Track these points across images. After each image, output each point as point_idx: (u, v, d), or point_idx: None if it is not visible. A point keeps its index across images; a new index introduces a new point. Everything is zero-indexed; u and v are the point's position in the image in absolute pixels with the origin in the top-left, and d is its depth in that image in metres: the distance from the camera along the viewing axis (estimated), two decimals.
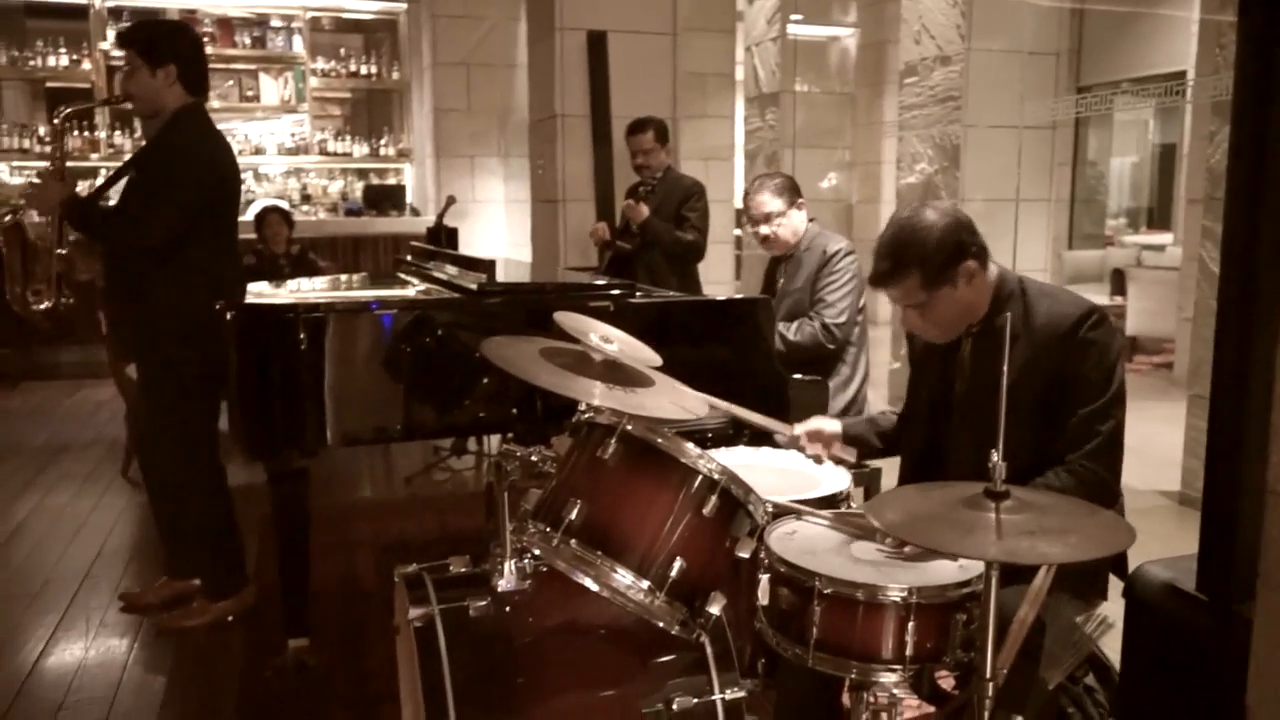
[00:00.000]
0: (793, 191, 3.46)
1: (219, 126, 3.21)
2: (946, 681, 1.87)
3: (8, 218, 3.23)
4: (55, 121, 3.17)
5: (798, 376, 3.19)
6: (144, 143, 3.23)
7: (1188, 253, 6.18)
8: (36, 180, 3.07)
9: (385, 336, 2.68)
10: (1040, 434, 1.94)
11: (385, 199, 9.08)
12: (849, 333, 3.39)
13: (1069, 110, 5.63)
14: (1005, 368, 1.52)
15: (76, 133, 8.22)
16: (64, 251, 3.20)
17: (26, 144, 8.34)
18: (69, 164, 3.18)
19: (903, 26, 5.97)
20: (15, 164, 8.48)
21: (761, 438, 2.88)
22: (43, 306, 3.27)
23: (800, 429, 2.33)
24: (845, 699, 1.80)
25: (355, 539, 4.01)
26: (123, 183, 3.17)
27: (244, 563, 3.30)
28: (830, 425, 2.33)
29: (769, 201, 3.43)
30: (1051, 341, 1.93)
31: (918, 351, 2.26)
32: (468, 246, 6.84)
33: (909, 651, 1.58)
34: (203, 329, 2.92)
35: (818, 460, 2.32)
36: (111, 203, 3.20)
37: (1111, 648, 1.92)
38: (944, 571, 1.64)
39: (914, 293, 1.97)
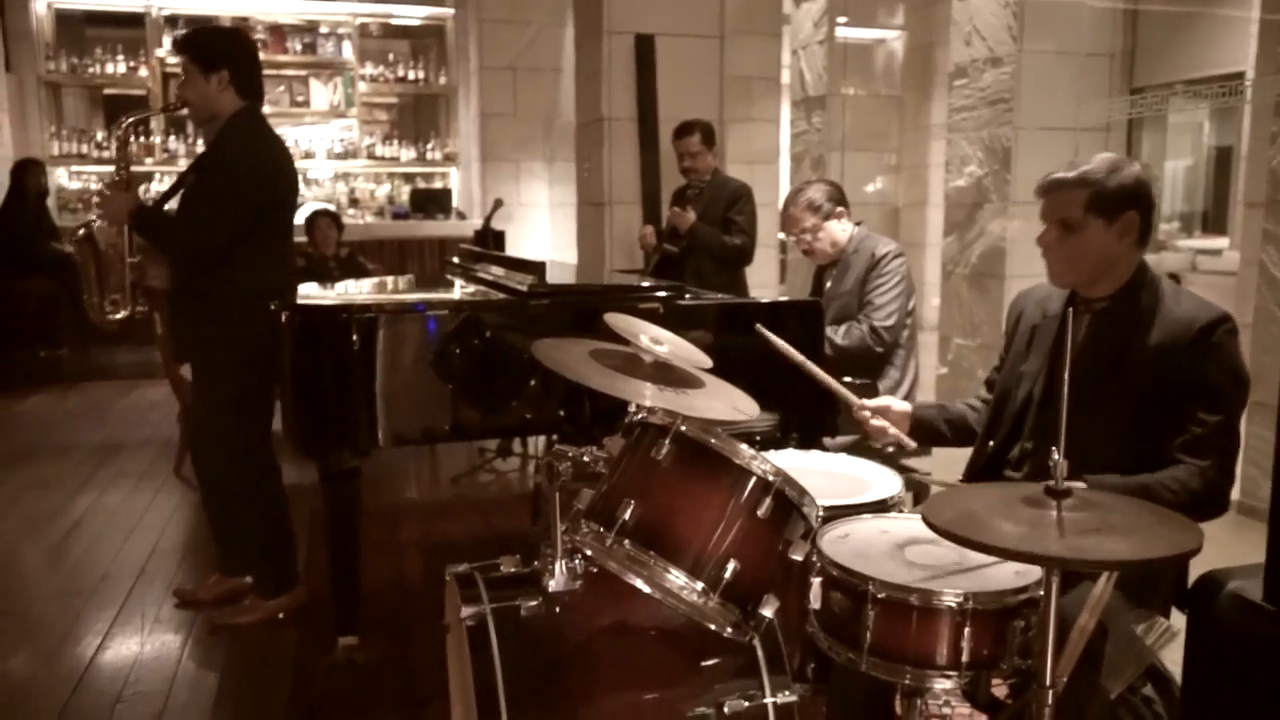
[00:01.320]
0: (833, 203, 3.43)
1: None
2: (1000, 691, 1.84)
3: (80, 230, 3.31)
4: (118, 132, 3.23)
5: (848, 380, 3.16)
6: (200, 147, 3.30)
7: (1246, 257, 6.04)
8: (105, 191, 3.14)
9: (436, 337, 2.70)
10: (1153, 422, 1.93)
11: (432, 203, 9.17)
12: (897, 335, 3.36)
13: (1123, 112, 5.53)
14: (1068, 371, 1.49)
15: (133, 138, 8.41)
16: (135, 260, 3.26)
17: (85, 149, 8.54)
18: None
19: (953, 28, 5.90)
20: (74, 169, 8.69)
21: (810, 440, 2.86)
22: (119, 316, 3.33)
23: (869, 403, 2.32)
24: (898, 706, 1.78)
25: (403, 539, 4.04)
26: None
27: (295, 561, 3.34)
28: (900, 404, 2.32)
29: (800, 218, 3.44)
30: (1185, 336, 1.92)
31: (1024, 330, 2.23)
32: (513, 250, 6.88)
33: (964, 658, 1.55)
34: (257, 329, 2.96)
35: (879, 436, 2.31)
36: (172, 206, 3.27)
37: (1171, 658, 1.87)
38: (1001, 577, 1.62)
39: (1072, 207, 1.99)
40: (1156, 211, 2.05)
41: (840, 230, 3.45)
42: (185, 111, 3.25)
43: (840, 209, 3.45)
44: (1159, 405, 1.93)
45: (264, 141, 3.15)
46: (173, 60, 8.53)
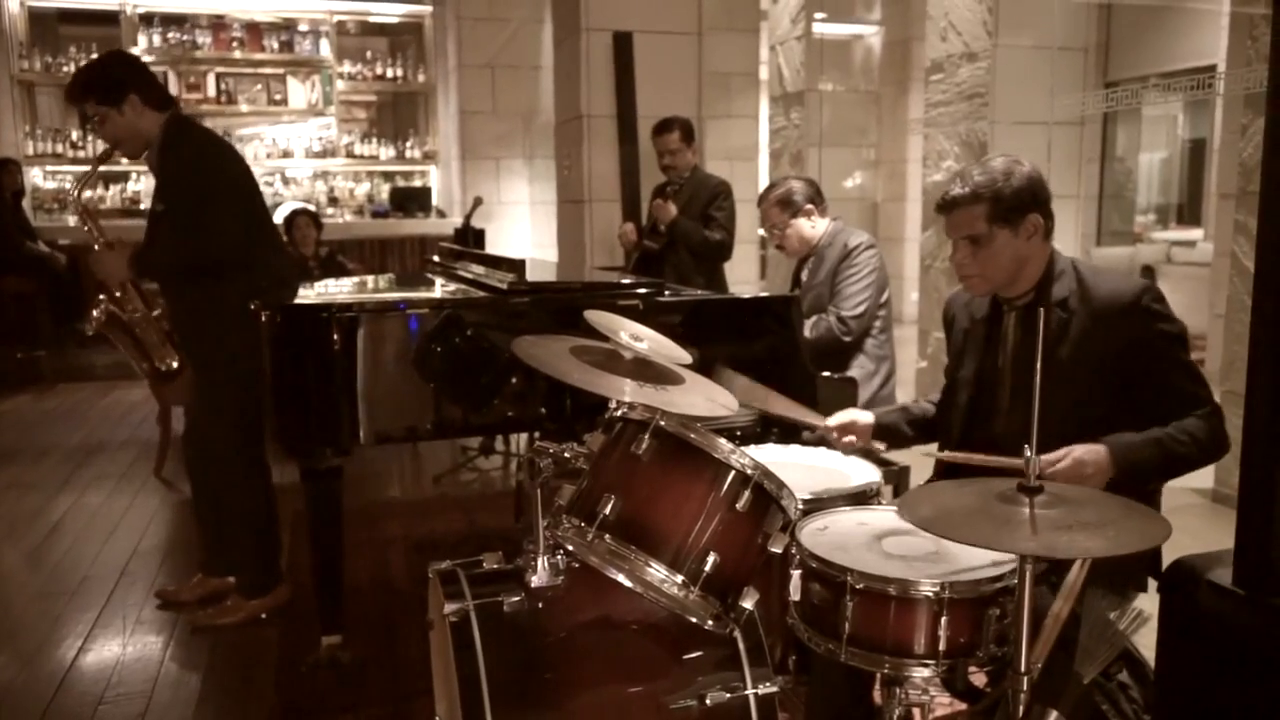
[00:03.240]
0: (805, 199, 3.48)
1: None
2: (978, 679, 1.86)
3: (98, 314, 3.29)
4: (77, 206, 3.22)
5: (826, 374, 3.19)
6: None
7: (1219, 248, 6.10)
8: (96, 262, 3.12)
9: (417, 336, 2.71)
10: (1099, 405, 1.96)
11: (411, 201, 9.15)
12: (866, 325, 3.40)
13: (1098, 105, 5.58)
14: (1039, 363, 1.51)
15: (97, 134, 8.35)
16: (158, 313, 3.26)
17: (60, 148, 8.48)
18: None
19: (928, 23, 5.95)
20: (49, 168, 8.62)
21: (790, 435, 2.89)
22: (175, 367, 3.38)
23: (833, 421, 2.34)
24: (877, 695, 1.81)
25: (386, 537, 4.04)
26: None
27: (279, 561, 3.33)
28: (864, 417, 2.35)
29: (769, 213, 3.54)
30: (1113, 315, 1.97)
31: (958, 334, 2.27)
32: (493, 248, 6.87)
33: (942, 646, 1.58)
34: (255, 329, 2.95)
35: (848, 451, 2.34)
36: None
37: (1145, 644, 1.90)
38: (977, 566, 1.64)
39: (976, 223, 2.01)
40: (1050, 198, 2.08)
41: (809, 227, 3.49)
42: (118, 153, 3.16)
43: (811, 206, 3.49)
44: (1104, 386, 1.97)
45: (204, 139, 3.13)
46: (148, 59, 8.49)
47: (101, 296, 3.28)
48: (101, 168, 3.26)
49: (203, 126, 3.18)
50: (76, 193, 3.24)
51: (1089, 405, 1.97)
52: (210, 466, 3.22)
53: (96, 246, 3.14)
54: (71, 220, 8.34)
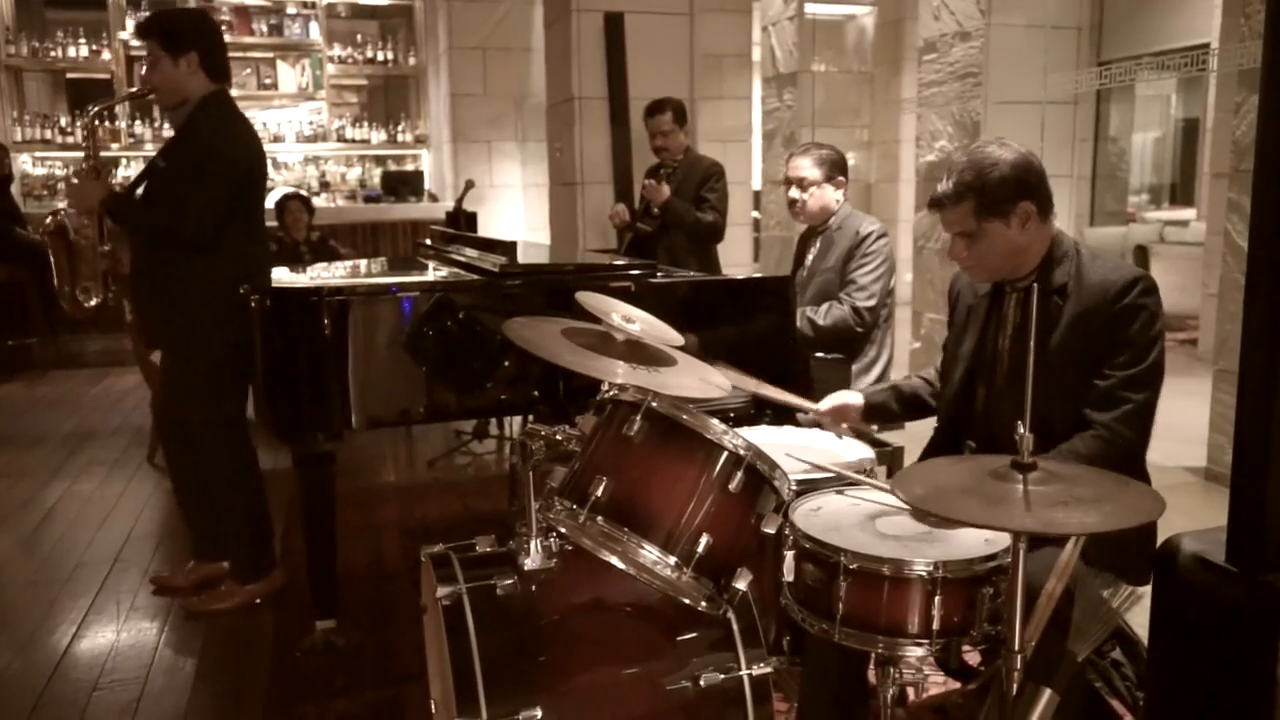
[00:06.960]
0: (835, 166, 3.44)
1: None
2: (971, 657, 1.87)
3: (49, 220, 3.26)
4: (84, 120, 3.21)
5: (819, 355, 3.19)
6: (168, 132, 3.25)
7: (1212, 227, 6.11)
8: (74, 179, 3.10)
9: (408, 319, 2.69)
10: (1084, 394, 1.95)
11: (403, 185, 9.11)
12: (879, 315, 3.38)
13: (1091, 84, 5.56)
14: (1032, 343, 1.51)
15: (100, 125, 8.30)
16: (107, 248, 3.23)
17: (48, 134, 8.41)
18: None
19: (921, 2, 5.91)
20: (38, 154, 8.56)
21: (783, 416, 2.88)
22: (92, 304, 3.32)
23: (824, 405, 2.34)
24: (871, 675, 1.81)
25: (380, 522, 4.04)
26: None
27: (273, 546, 3.33)
28: (854, 399, 2.35)
29: (806, 167, 3.44)
30: (1100, 303, 1.94)
31: (961, 310, 2.26)
32: (486, 231, 6.84)
33: (935, 626, 1.58)
34: (235, 313, 2.93)
35: (842, 434, 2.35)
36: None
37: (1139, 621, 1.91)
38: (970, 545, 1.64)
39: (965, 220, 1.99)
40: (1045, 176, 2.04)
41: (833, 197, 3.46)
42: (152, 97, 3.20)
43: (841, 179, 3.46)
44: (1088, 371, 1.96)
45: (238, 125, 3.11)
46: (136, 43, 8.42)
47: (62, 208, 3.27)
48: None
49: (239, 113, 3.14)
50: (94, 111, 3.20)
51: (1074, 392, 1.96)
52: (188, 449, 3.20)
53: (84, 165, 3.11)
54: (61, 204, 8.29)
